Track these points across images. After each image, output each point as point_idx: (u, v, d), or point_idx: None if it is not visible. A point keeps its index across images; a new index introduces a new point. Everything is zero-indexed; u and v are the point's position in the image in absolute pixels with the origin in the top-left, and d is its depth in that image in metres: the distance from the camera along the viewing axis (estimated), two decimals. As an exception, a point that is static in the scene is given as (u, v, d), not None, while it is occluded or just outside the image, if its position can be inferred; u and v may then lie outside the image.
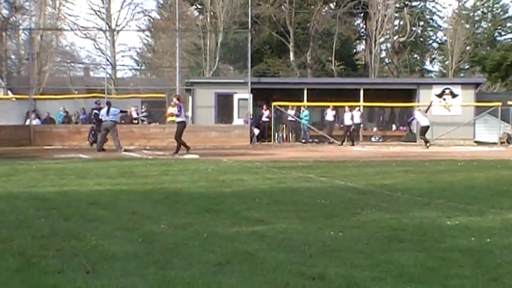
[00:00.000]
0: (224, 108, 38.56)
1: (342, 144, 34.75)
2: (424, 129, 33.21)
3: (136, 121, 38.42)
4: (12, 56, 59.95)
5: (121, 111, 30.32)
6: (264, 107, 38.41)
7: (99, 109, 30.74)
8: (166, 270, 6.39)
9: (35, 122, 36.28)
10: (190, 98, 39.96)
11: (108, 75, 48.46)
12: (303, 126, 38.10)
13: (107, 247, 7.50)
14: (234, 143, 33.54)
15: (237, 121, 38.43)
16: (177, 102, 26.77)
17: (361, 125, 39.14)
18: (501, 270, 6.54)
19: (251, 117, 37.08)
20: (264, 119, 38.56)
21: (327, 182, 15.01)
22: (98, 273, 6.27)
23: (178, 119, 26.62)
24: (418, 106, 36.57)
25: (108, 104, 29.37)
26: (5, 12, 56.32)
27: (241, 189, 13.54)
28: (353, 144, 34.69)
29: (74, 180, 15.38)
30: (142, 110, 39.32)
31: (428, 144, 32.18)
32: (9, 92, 52.03)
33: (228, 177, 16.07)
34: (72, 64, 64.47)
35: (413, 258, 7.01)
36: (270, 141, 37.33)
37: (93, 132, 32.38)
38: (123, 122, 37.66)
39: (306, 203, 11.36)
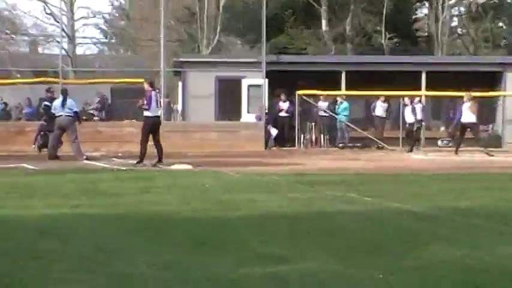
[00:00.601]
0: (228, 99, 38.63)
1: (410, 150, 34.37)
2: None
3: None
4: None
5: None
6: (283, 97, 38.28)
7: (52, 100, 30.75)
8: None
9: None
10: (180, 84, 40.14)
11: (63, 52, 48.72)
12: (340, 124, 38.11)
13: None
14: (242, 148, 33.61)
15: (247, 117, 38.49)
16: (147, 88, 26.86)
17: (423, 123, 38.89)
18: None
19: (266, 111, 37.11)
20: (282, 114, 38.45)
21: (375, 204, 14.99)
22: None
23: (146, 113, 26.76)
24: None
25: (64, 93, 29.46)
26: None
27: (252, 214, 13.54)
28: (411, 150, 34.56)
29: (16, 201, 15.42)
30: (95, 102, 39.48)
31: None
32: None
33: (233, 197, 16.10)
34: (13, 36, 64.58)
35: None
36: (293, 145, 37.34)
37: (42, 132, 32.34)
38: (84, 118, 37.88)
39: (344, 234, 11.36)
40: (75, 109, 29.28)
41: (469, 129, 33.09)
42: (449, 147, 38.29)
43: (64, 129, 28.52)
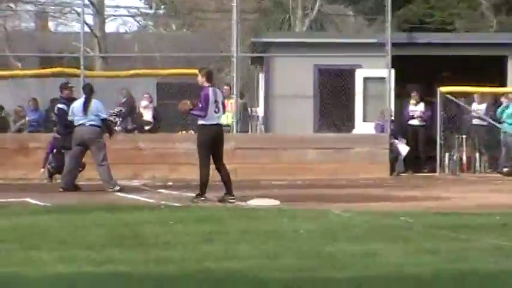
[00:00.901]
0: (334, 98, 38.63)
1: None
2: None
3: (147, 126, 38.86)
4: None
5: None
6: (416, 96, 38.15)
7: (69, 101, 30.46)
8: None
9: None
10: (261, 76, 40.25)
11: (86, 29, 48.93)
12: (504, 137, 37.88)
13: None
14: (355, 174, 33.60)
15: (362, 126, 38.46)
16: (203, 82, 26.53)
17: None
18: None
19: (392, 117, 37.05)
20: (415, 122, 38.34)
21: None
22: None
23: (201, 121, 26.22)
24: None
25: (87, 91, 29.34)
26: None
27: (370, 275, 13.51)
28: None
29: (16, 254, 15.52)
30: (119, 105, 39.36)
31: None
32: None
33: (341, 249, 16.09)
34: (11, 6, 65.22)
35: None
36: (433, 169, 37.26)
37: (55, 150, 32.20)
38: (119, 129, 38.25)
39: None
40: (104, 115, 28.91)
41: None
42: None
43: (87, 146, 28.26)
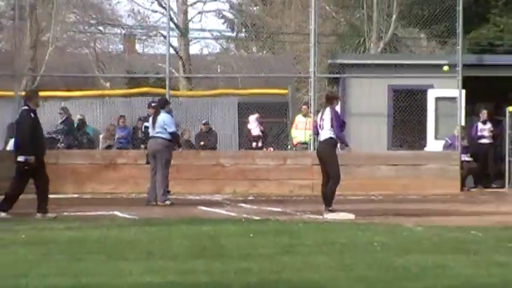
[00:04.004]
0: (408, 117, 38.52)
1: None
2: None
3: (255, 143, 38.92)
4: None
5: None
6: (484, 115, 37.94)
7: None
8: None
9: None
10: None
11: (171, 51, 49.11)
12: None
13: None
14: (427, 190, 33.46)
15: (434, 145, 38.34)
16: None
17: None
18: None
19: (463, 136, 36.88)
20: (484, 140, 38.10)
21: None
22: None
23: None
24: None
25: (161, 104, 29.34)
26: None
27: (443, 284, 13.44)
28: None
29: (103, 264, 15.54)
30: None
31: None
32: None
33: (414, 261, 16.01)
34: (100, 29, 65.41)
35: None
36: (502, 185, 37.05)
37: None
38: (199, 142, 38.32)
39: None
40: (171, 129, 28.85)
41: None
42: None
43: (156, 158, 28.41)
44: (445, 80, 37.05)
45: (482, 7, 52.61)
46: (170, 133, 28.71)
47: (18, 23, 44.84)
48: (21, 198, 27.65)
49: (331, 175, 25.49)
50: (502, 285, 13.48)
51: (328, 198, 25.43)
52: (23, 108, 25.72)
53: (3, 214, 24.31)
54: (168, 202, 28.04)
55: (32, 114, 25.24)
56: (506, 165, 37.12)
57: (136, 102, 37.05)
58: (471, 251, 17.55)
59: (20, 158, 24.52)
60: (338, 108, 26.30)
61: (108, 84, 48.84)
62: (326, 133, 25.57)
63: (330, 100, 26.23)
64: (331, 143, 25.60)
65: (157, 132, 28.57)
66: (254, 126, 40.48)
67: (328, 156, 25.55)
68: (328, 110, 25.73)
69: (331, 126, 25.42)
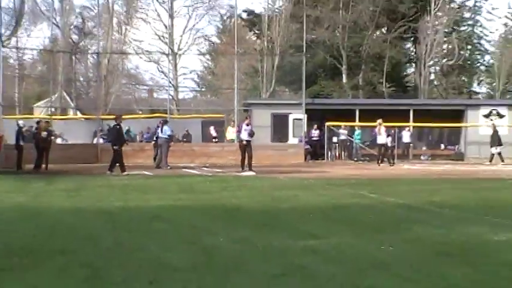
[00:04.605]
0: (280, 127, 38.51)
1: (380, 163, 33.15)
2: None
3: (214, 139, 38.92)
4: (81, 79, 60.85)
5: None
6: (315, 126, 38.08)
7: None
8: (224, 281, 6.41)
9: (102, 140, 36.49)
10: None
11: (170, 97, 48.83)
12: (355, 145, 37.87)
13: (169, 259, 7.55)
14: (289, 161, 33.40)
15: (292, 140, 38.36)
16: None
17: (411, 144, 39.05)
18: (547, 285, 6.43)
19: (305, 136, 36.94)
20: (315, 138, 38.16)
21: (378, 199, 14.89)
22: (159, 284, 6.32)
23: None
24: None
25: (163, 122, 29.50)
26: (74, 37, 57.57)
27: (296, 205, 13.50)
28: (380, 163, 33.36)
29: (138, 196, 15.50)
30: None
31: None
32: (78, 112, 52.94)
33: (283, 193, 16.04)
34: (137, 86, 64.86)
35: (461, 272, 6.94)
36: (323, 159, 37.14)
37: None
38: (183, 139, 38.26)
39: (358, 219, 11.31)
40: (169, 133, 28.99)
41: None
42: (429, 161, 38.08)
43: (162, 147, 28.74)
44: (297, 110, 37.03)
45: (314, 76, 52.71)
46: (168, 135, 28.77)
47: (98, 84, 44.54)
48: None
49: (249, 154, 25.63)
50: (322, 205, 13.54)
51: (243, 165, 25.57)
52: (114, 123, 25.81)
53: (108, 172, 24.17)
54: (168, 167, 27.88)
55: (118, 126, 25.39)
56: (325, 149, 37.24)
57: (153, 121, 36.75)
58: (309, 189, 17.61)
59: (115, 147, 24.71)
60: (247, 124, 26.21)
61: (140, 112, 48.46)
62: (245, 135, 25.73)
63: (246, 120, 26.56)
64: (247, 140, 25.73)
65: (163, 135, 28.58)
66: (213, 132, 40.52)
67: (245, 146, 25.64)
68: (245, 125, 26.00)
69: (247, 132, 25.69)
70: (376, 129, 32.76)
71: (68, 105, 55.58)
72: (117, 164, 24.85)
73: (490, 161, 33.67)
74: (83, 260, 7.44)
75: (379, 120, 32.43)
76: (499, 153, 33.93)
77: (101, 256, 7.71)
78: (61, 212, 12.18)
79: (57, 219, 11.25)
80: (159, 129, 29.15)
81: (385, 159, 33.10)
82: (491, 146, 34.36)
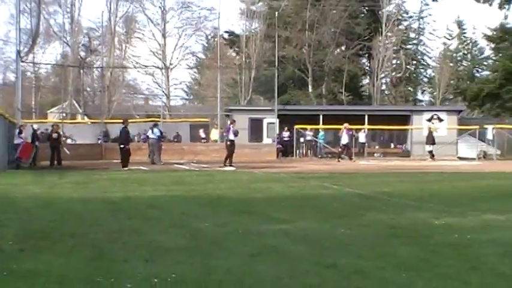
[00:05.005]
0: (255, 129, 38.47)
1: (339, 160, 33.26)
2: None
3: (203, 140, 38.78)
4: (88, 89, 60.79)
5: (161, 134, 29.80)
6: (285, 128, 38.03)
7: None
8: (209, 260, 6.40)
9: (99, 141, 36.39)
10: (228, 122, 39.88)
11: (163, 104, 48.86)
12: (319, 144, 37.96)
13: (162, 241, 7.53)
14: (263, 158, 33.35)
15: (266, 140, 38.36)
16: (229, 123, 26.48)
17: (366, 144, 39.24)
18: (479, 261, 6.48)
19: (277, 137, 36.94)
20: (285, 138, 38.09)
21: (339, 189, 14.93)
22: (155, 262, 6.30)
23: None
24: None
25: (153, 125, 29.49)
26: (82, 54, 57.49)
27: (270, 195, 13.49)
28: (339, 159, 33.44)
29: (136, 187, 15.41)
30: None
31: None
32: (85, 117, 52.73)
33: (259, 185, 16.03)
34: (135, 95, 64.73)
35: (408, 251, 6.97)
36: (293, 156, 37.16)
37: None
38: (174, 140, 38.10)
39: (322, 206, 11.33)
40: (158, 134, 28.88)
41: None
42: (381, 158, 38.25)
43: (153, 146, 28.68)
44: (271, 115, 37.02)
45: (285, 86, 52.72)
46: (157, 136, 28.72)
47: (102, 93, 44.24)
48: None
49: (228, 153, 25.53)
50: (292, 195, 13.56)
51: (225, 161, 25.45)
52: (123, 126, 26.04)
53: (125, 169, 24.14)
54: (162, 163, 27.80)
55: (126, 128, 25.68)
56: (294, 148, 37.25)
57: (147, 124, 36.45)
58: (280, 181, 17.60)
59: (121, 146, 25.03)
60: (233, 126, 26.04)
61: (138, 117, 48.23)
62: (231, 136, 25.63)
63: (232, 123, 26.34)
64: (232, 140, 25.62)
65: (153, 135, 28.58)
66: (202, 134, 40.26)
67: (231, 145, 25.54)
68: (231, 127, 25.85)
69: (233, 133, 25.58)
70: (340, 132, 33.02)
71: (76, 111, 55.27)
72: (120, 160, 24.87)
73: (432, 158, 33.93)
74: (90, 242, 7.41)
75: (346, 124, 32.68)
76: (430, 151, 34.24)
77: (105, 239, 7.68)
78: (71, 202, 12.11)
79: (68, 207, 11.18)
80: (150, 131, 29.17)
81: (347, 156, 33.34)
82: (426, 144, 34.77)
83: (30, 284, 5.43)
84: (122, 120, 27.51)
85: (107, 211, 10.58)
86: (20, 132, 25.69)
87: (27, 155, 25.95)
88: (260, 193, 13.89)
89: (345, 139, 32.74)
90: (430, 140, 34.55)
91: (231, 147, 25.60)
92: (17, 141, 25.27)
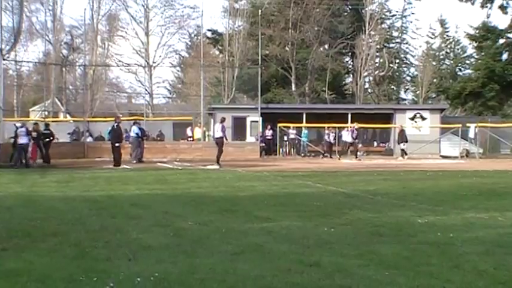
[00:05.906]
0: (239, 128, 38.42)
1: (324, 156, 33.52)
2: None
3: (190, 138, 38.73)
4: (70, 87, 60.40)
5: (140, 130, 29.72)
6: (268, 126, 37.96)
7: (140, 129, 30.18)
8: (192, 258, 6.40)
9: (88, 139, 36.15)
10: (212, 120, 39.89)
11: (146, 102, 48.67)
12: (302, 142, 37.99)
13: (145, 239, 7.52)
14: (246, 156, 33.28)
15: (249, 139, 38.28)
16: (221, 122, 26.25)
17: (354, 142, 39.33)
18: (461, 259, 6.53)
19: (260, 135, 36.92)
20: (269, 137, 38.07)
21: (322, 188, 14.97)
22: (137, 261, 6.30)
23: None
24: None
25: (133, 123, 29.50)
26: (64, 52, 57.27)
27: (253, 194, 13.51)
28: (331, 157, 34.22)
29: (119, 186, 15.38)
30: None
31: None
32: (67, 116, 52.44)
33: (242, 184, 16.05)
34: (118, 93, 64.46)
35: (391, 249, 7.01)
36: (276, 154, 37.16)
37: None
38: (158, 138, 38.06)
39: (305, 205, 11.35)
40: (136, 132, 28.72)
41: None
42: (365, 156, 38.37)
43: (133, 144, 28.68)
44: (254, 113, 36.99)
45: (268, 85, 52.76)
46: (136, 133, 28.63)
47: (85, 91, 43.97)
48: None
49: (219, 151, 25.47)
50: (275, 193, 13.56)
51: (216, 160, 25.36)
52: (114, 123, 26.17)
53: (120, 167, 24.18)
54: (134, 161, 27.62)
55: (119, 125, 26.01)
56: (277, 146, 37.22)
57: (130, 122, 36.19)
58: (264, 180, 17.62)
59: (116, 145, 25.18)
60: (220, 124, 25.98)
61: (121, 115, 47.98)
62: (219, 134, 25.60)
63: (221, 120, 26.27)
64: (221, 138, 25.59)
65: (133, 134, 28.65)
66: (189, 132, 40.16)
67: (220, 143, 25.48)
68: (219, 124, 25.81)
69: (221, 131, 25.57)
70: (326, 132, 33.41)
71: (59, 109, 54.87)
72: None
73: (403, 156, 33.95)
74: (72, 241, 7.40)
75: (354, 124, 33.37)
76: (403, 149, 34.40)
77: (87, 237, 7.67)
78: (53, 200, 12.07)
79: (50, 206, 11.14)
80: (130, 129, 29.27)
81: (354, 155, 33.82)
82: (399, 143, 34.95)
83: (12, 283, 5.41)
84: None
85: (89, 210, 10.55)
86: (31, 132, 25.35)
87: (36, 155, 26.03)
88: (243, 192, 13.91)
89: (348, 138, 33.79)
90: (403, 138, 34.70)
91: (222, 144, 25.64)
92: (23, 140, 24.48)
